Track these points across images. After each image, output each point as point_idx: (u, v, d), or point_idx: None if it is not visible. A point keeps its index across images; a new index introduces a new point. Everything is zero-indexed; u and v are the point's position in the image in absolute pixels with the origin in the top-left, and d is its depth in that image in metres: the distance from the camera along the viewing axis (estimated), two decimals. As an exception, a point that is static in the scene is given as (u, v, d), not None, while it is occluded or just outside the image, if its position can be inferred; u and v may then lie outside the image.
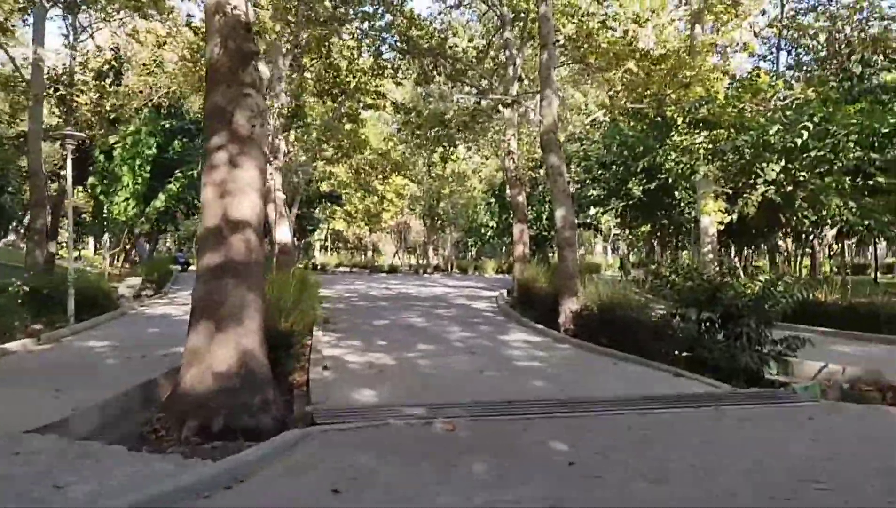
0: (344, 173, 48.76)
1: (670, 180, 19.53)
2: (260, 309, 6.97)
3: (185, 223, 41.62)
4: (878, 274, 34.10)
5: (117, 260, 25.13)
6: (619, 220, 29.87)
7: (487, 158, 50.58)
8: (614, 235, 57.83)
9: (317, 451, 4.99)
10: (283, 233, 16.57)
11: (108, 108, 17.62)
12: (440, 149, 43.86)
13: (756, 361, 8.10)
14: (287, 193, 26.32)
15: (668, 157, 18.63)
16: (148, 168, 17.16)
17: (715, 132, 15.56)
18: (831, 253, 36.73)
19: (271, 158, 16.59)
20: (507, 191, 24.76)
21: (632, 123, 20.27)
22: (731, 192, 18.70)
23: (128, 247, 24.91)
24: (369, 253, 57.44)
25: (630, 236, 51.46)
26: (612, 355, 9.88)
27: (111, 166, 17.29)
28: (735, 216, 15.85)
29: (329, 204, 36.36)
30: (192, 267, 41.75)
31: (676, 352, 9.17)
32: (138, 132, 17.15)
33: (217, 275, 6.72)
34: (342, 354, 9.99)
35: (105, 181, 17.37)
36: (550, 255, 32.56)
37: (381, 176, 49.25)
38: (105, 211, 17.30)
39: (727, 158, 15.72)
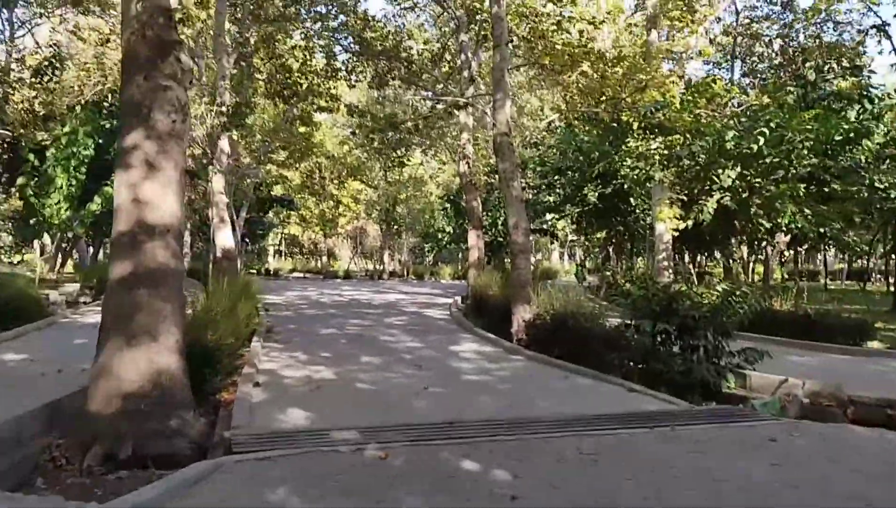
0: (298, 177, 47.95)
1: (626, 187, 19.32)
2: (179, 323, 6.34)
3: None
4: (828, 281, 34.63)
5: (56, 265, 23.97)
6: (575, 226, 29.71)
7: (444, 163, 50.29)
8: (570, 241, 58.03)
9: (228, 486, 4.39)
10: (226, 238, 15.81)
11: (37, 105, 16.63)
12: (396, 153, 43.55)
13: (713, 374, 7.73)
14: (234, 197, 25.52)
15: (624, 163, 18.40)
16: (84, 169, 16.19)
17: (670, 138, 15.32)
18: (783, 260, 37.19)
19: (213, 161, 15.85)
20: (463, 196, 24.32)
21: (587, 129, 20.03)
22: (686, 198, 18.55)
23: (66, 251, 23.79)
24: (324, 259, 56.36)
25: (586, 243, 51.70)
26: (564, 367, 9.44)
27: (44, 167, 16.32)
28: (690, 223, 15.62)
29: (282, 208, 35.44)
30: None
31: (631, 364, 8.78)
32: (74, 132, 16.18)
33: (129, 286, 6.08)
34: (280, 367, 9.36)
35: (36, 182, 16.38)
36: (507, 261, 32.33)
37: (336, 180, 48.54)
38: (38, 214, 16.29)
39: (683, 164, 15.51)
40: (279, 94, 26.65)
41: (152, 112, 6.42)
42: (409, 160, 50.65)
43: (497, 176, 14.03)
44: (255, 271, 45.54)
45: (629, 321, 8.82)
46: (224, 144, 16.09)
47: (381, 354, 10.80)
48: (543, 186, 23.88)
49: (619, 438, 5.71)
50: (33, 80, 18.54)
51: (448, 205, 26.02)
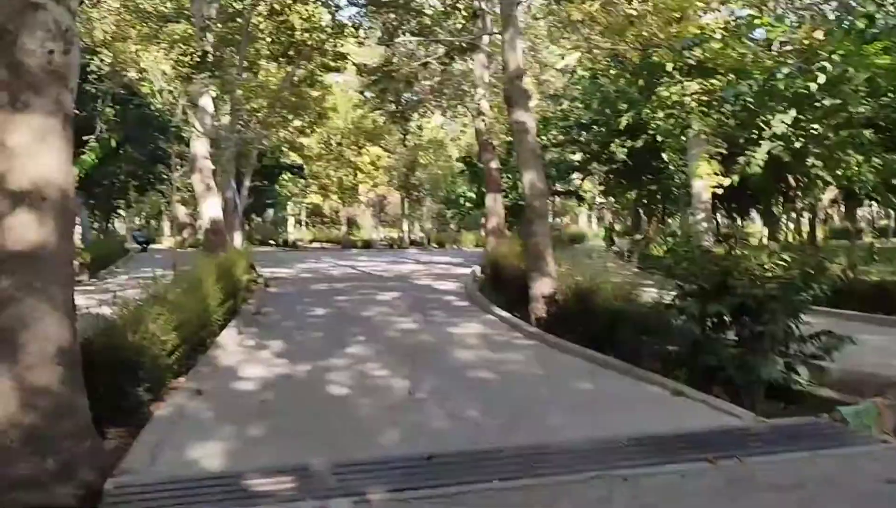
0: (315, 144, 46.22)
1: (657, 140, 17.32)
2: (66, 324, 4.71)
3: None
4: (874, 239, 32.19)
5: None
6: (602, 187, 27.67)
7: (465, 126, 48.21)
8: (598, 203, 55.76)
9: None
10: (212, 209, 14.24)
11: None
12: (413, 116, 41.60)
13: (783, 372, 5.93)
14: (238, 164, 23.91)
15: (655, 114, 16.43)
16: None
17: (710, 80, 13.28)
18: (824, 217, 34.84)
19: (198, 125, 14.22)
20: (481, 156, 22.44)
21: (613, 74, 17.93)
22: (725, 152, 16.52)
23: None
24: (345, 227, 54.93)
25: (615, 205, 49.47)
26: (589, 357, 7.70)
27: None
28: (736, 178, 13.64)
29: (292, 175, 33.78)
30: (156, 246, 39.46)
31: (673, 354, 7.01)
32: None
33: (-24, 276, 4.46)
34: (243, 363, 7.78)
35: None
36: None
37: (353, 147, 46.75)
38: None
39: (725, 111, 13.46)
40: (283, 54, 24.91)
41: (19, 40, 4.71)
42: (428, 122, 48.97)
43: (511, 131, 12.09)
44: (273, 243, 44.35)
45: (671, 301, 7.01)
46: (206, 102, 14.43)
47: (373, 341, 9.14)
48: (567, 144, 21.86)
49: (668, 482, 3.98)
50: None
51: (465, 167, 24.01)
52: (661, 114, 16.96)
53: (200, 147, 14.15)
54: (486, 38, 20.86)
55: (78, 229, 29.89)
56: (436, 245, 43.21)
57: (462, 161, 22.90)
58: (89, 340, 5.42)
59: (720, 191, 15.02)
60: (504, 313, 11.09)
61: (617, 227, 59.34)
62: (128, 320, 6.02)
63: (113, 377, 5.37)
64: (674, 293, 7.15)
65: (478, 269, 20.60)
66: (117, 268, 23.90)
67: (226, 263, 13.16)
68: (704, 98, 13.32)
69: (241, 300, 13.18)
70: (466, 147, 45.82)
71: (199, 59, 12.64)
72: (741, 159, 13.28)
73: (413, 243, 44.02)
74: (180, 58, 12.70)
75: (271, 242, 45.54)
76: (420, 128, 45.66)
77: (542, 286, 10.33)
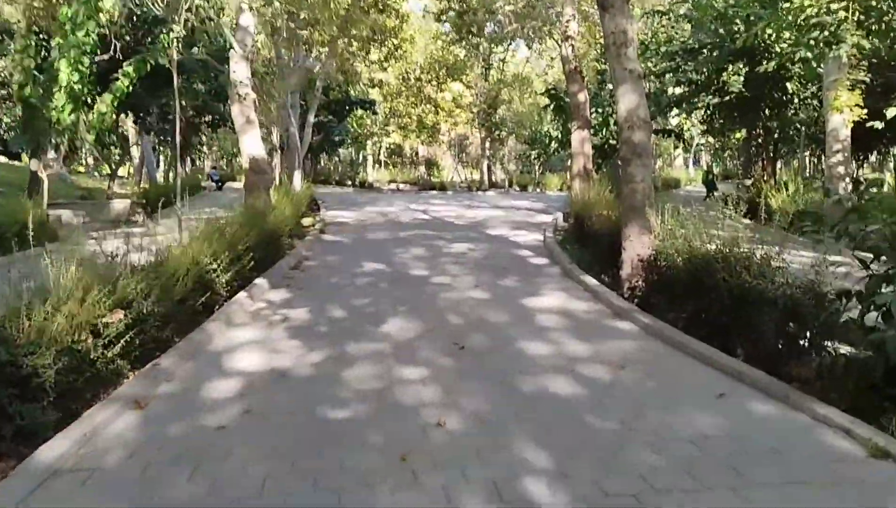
0: (393, 79, 44.02)
1: (785, 65, 14.30)
2: None
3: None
4: None
5: (112, 177, 21.78)
6: (705, 126, 24.44)
7: (553, 59, 44.82)
8: (697, 144, 51.50)
9: None
10: (253, 144, 12.42)
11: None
12: (497, 48, 38.68)
13: None
14: (303, 97, 22.13)
15: (781, 34, 13.45)
16: (86, 62, 13.06)
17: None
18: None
19: (237, 47, 12.30)
20: (567, 88, 19.75)
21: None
22: (868, 80, 13.43)
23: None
24: (424, 168, 52.94)
25: (717, 144, 45.36)
26: (710, 360, 5.41)
27: (48, 61, 13.39)
28: (894, 112, 10.69)
29: (364, 110, 31.65)
30: (232, 184, 38.64)
31: (840, 366, 4.67)
32: (76, 15, 12.96)
33: None
34: (237, 345, 5.94)
35: (35, 80, 13.49)
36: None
37: (434, 82, 44.27)
38: (42, 118, 13.46)
39: (890, 22, 10.44)
40: (352, -22, 22.74)
41: None
42: (512, 56, 45.85)
43: (604, 44, 9.50)
44: (350, 183, 42.92)
45: (852, 287, 4.64)
46: (246, 20, 12.47)
47: (420, 317, 7.09)
48: (669, 75, 18.83)
49: None
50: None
51: (550, 101, 21.28)
52: (786, 34, 13.96)
53: (240, 71, 12.26)
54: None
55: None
56: (518, 188, 40.67)
57: (546, 94, 20.25)
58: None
59: (879, 126, 11.97)
60: (590, 280, 8.81)
61: (715, 170, 55.16)
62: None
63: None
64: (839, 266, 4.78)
65: (560, 217, 18.27)
66: (180, 208, 22.84)
67: (261, 206, 11.41)
68: (859, 6, 10.33)
69: (283, 250, 11.46)
70: (554, 82, 42.64)
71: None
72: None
73: (494, 185, 41.60)
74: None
75: (347, 182, 44.15)
76: (503, 62, 42.81)
77: (640, 246, 8.02)
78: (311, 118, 21.63)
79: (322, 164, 50.56)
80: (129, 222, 19.01)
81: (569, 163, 34.72)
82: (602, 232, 10.39)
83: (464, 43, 41.24)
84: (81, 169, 44.62)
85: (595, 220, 11.32)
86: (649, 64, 20.13)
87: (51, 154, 13.90)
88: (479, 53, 41.45)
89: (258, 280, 8.66)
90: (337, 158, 50.54)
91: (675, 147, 45.15)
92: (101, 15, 13.46)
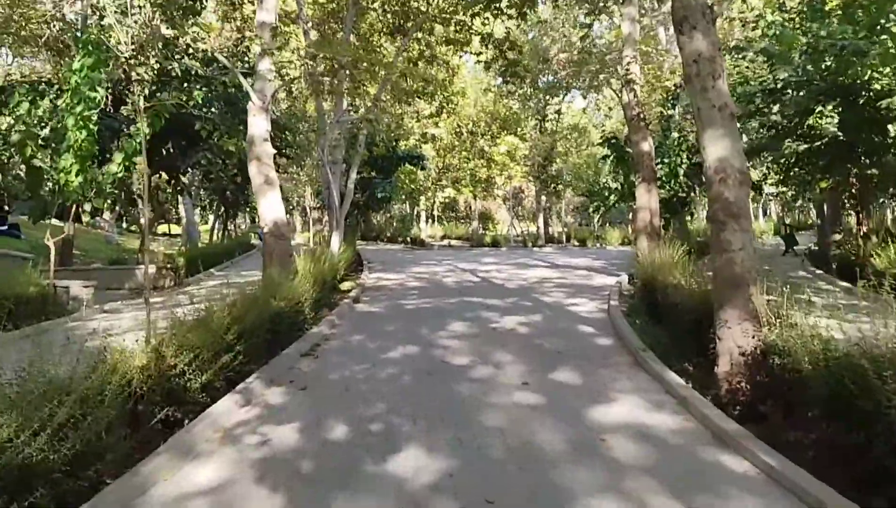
0: (446, 133, 42.94)
1: (881, 106, 12.24)
2: None
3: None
4: None
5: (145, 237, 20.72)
6: (781, 175, 22.15)
7: (611, 109, 43.09)
8: (767, 193, 48.54)
9: None
10: (272, 207, 10.94)
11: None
12: (552, 99, 37.18)
13: None
14: (346, 152, 20.85)
15: (884, 67, 11.51)
16: (94, 118, 11.89)
17: None
18: None
19: (255, 97, 10.96)
20: (629, 137, 17.91)
21: (826, 7, 12.81)
22: None
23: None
24: (476, 223, 51.40)
25: (792, 194, 42.38)
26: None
27: (49, 117, 12.33)
28: None
29: (412, 166, 30.28)
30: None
31: None
32: (82, 69, 11.87)
33: None
34: (189, 498, 4.19)
35: (42, 139, 12.40)
36: (690, 225, 25.02)
37: (487, 135, 42.98)
38: (49, 181, 12.35)
39: None
40: (398, 27, 21.70)
41: None
42: (567, 106, 44.27)
43: (683, 76, 7.61)
44: (401, 240, 41.63)
45: None
46: (265, 66, 11.13)
47: (442, 442, 5.21)
48: (749, 118, 16.76)
49: None
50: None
51: (609, 151, 19.30)
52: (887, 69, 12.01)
53: (258, 126, 10.88)
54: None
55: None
56: (576, 243, 38.60)
57: (605, 144, 18.35)
58: None
59: None
60: (673, 377, 6.79)
61: (787, 220, 51.95)
62: None
63: None
64: None
65: (625, 279, 16.25)
66: (219, 270, 21.70)
67: (276, 278, 9.83)
68: None
69: (301, 328, 9.81)
70: (614, 132, 40.69)
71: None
72: None
73: (551, 239, 39.65)
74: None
75: (399, 239, 42.89)
76: (558, 113, 41.28)
77: (741, 336, 6.07)
78: (354, 175, 20.27)
79: (374, 221, 49.59)
80: (156, 288, 17.87)
81: (630, 216, 32.41)
82: (682, 307, 8.40)
83: (517, 95, 40.05)
84: (135, 229, 44.66)
85: (671, 290, 9.34)
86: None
87: (106, 215, 12.85)
88: (532, 105, 40.10)
89: (253, 377, 6.96)
90: (388, 214, 49.52)
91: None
92: (111, 68, 12.31)
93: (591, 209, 45.28)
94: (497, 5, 19.99)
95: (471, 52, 29.69)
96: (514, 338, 9.51)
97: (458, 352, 8.64)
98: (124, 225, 42.82)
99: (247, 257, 26.67)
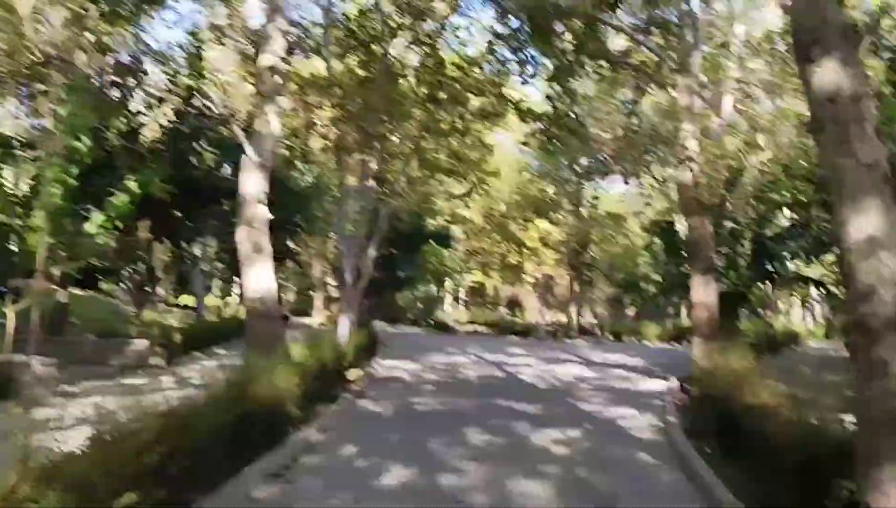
0: (476, 215, 41.35)
1: None
2: None
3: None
4: None
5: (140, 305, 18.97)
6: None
7: (651, 196, 41.21)
8: (817, 294, 45.76)
9: None
10: (261, 280, 9.04)
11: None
12: (590, 183, 35.50)
13: None
14: (366, 227, 19.17)
15: None
16: (74, 172, 10.27)
17: None
18: None
19: (250, 150, 9.27)
20: (682, 222, 15.94)
21: None
22: None
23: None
24: (503, 309, 49.25)
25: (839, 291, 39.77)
26: None
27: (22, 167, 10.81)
28: None
29: (439, 245, 28.49)
30: (305, 319, 35.77)
31: None
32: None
33: None
34: None
35: (20, 196, 10.84)
36: (737, 319, 22.49)
37: (519, 219, 41.26)
38: (15, 240, 10.70)
39: None
40: (432, 97, 20.32)
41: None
42: (605, 192, 42.44)
43: (810, 122, 5.55)
44: (425, 323, 39.48)
45: None
46: (266, 126, 9.46)
47: None
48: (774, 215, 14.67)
49: None
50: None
51: (656, 237, 17.27)
52: None
53: (252, 184, 9.14)
54: (696, 56, 14.76)
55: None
56: (610, 337, 36.08)
57: (654, 228, 16.16)
58: None
59: None
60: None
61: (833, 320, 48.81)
62: None
63: None
64: None
65: (675, 385, 13.97)
66: (220, 348, 19.75)
67: (252, 371, 7.84)
68: None
69: (274, 438, 7.72)
70: (659, 216, 38.50)
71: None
72: None
73: (583, 331, 37.17)
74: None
75: (422, 322, 40.76)
76: (596, 198, 39.46)
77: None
78: (373, 252, 18.48)
79: (397, 301, 47.60)
80: (142, 367, 15.95)
81: (670, 310, 30.06)
82: (778, 441, 6.19)
83: (552, 176, 38.46)
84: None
85: (758, 414, 7.12)
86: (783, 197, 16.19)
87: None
88: (569, 189, 38.45)
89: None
90: (412, 295, 47.56)
91: (794, 294, 39.75)
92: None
93: (626, 302, 43.00)
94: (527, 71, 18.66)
95: (504, 129, 28.28)
96: (550, 465, 7.28)
97: (476, 484, 6.45)
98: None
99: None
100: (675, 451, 8.12)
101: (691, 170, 14.00)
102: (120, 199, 11.14)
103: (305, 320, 34.59)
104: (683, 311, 45.74)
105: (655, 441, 8.80)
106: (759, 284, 16.98)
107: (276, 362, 8.62)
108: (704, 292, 13.55)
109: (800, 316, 44.87)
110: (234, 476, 6.06)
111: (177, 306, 41.03)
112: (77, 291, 35.48)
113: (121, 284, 28.24)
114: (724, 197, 14.70)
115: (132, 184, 11.12)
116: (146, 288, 41.06)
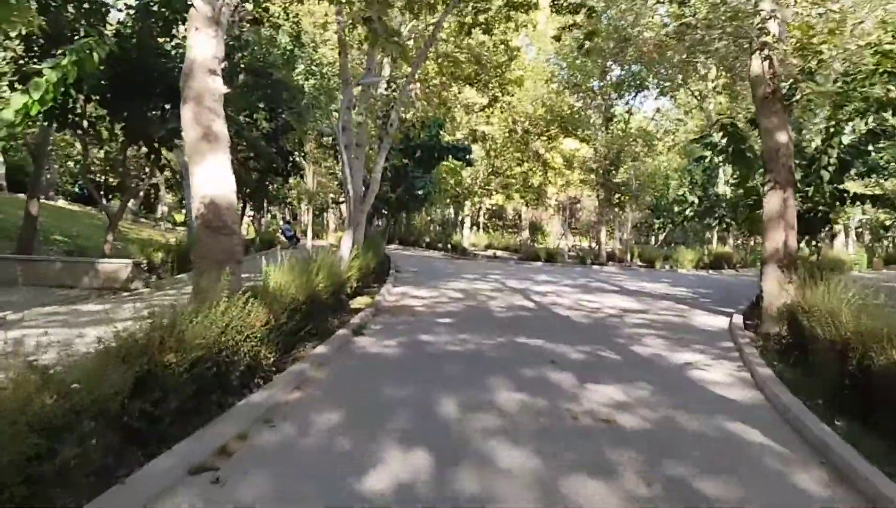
0: (498, 131, 38.35)
1: None
2: None
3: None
4: None
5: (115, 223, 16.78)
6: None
7: (688, 113, 37.89)
8: (858, 220, 42.80)
9: None
10: (212, 178, 6.59)
11: None
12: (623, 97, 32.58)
13: None
14: (367, 132, 16.56)
15: None
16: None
17: None
18: None
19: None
20: (758, 122, 13.16)
21: None
22: None
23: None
24: (525, 234, 46.72)
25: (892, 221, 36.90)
26: None
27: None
28: None
29: (459, 160, 25.62)
30: (319, 241, 33.50)
31: None
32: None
33: None
34: None
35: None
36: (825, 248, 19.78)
37: (543, 136, 38.20)
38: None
39: None
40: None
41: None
42: (641, 104, 39.21)
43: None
44: (442, 247, 37.21)
45: None
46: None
47: None
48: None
49: None
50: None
51: (706, 148, 14.13)
52: None
53: (201, 46, 6.61)
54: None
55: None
56: (641, 263, 33.63)
57: (721, 130, 13.07)
58: None
59: None
60: None
61: (878, 250, 46.12)
62: None
63: None
64: None
65: (738, 321, 11.64)
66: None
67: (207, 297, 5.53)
68: None
69: (237, 390, 5.51)
70: (685, 144, 35.37)
71: None
72: None
73: (611, 257, 34.70)
74: None
75: (439, 245, 38.51)
76: (629, 113, 36.26)
77: None
78: (382, 161, 15.95)
79: (413, 223, 45.20)
80: (120, 291, 13.89)
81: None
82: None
83: (583, 89, 35.25)
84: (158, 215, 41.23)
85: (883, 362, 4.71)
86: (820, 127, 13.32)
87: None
88: (599, 103, 35.26)
89: None
90: (429, 217, 45.14)
91: (844, 219, 36.73)
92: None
93: (656, 226, 40.18)
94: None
95: (533, 25, 25.10)
96: (621, 451, 4.93)
97: (510, 481, 4.17)
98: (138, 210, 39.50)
99: (262, 256, 22.62)
100: (794, 425, 5.74)
101: (770, 59, 11.18)
102: (46, 77, 8.47)
103: (320, 242, 32.30)
104: (715, 237, 43.19)
105: (754, 404, 6.43)
106: (840, 203, 14.24)
107: (237, 290, 6.29)
108: (780, 210, 10.96)
109: (842, 242, 41.97)
110: (156, 454, 3.83)
111: (155, 220, 39.05)
112: (74, 207, 33.53)
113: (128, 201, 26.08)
114: (812, 88, 11.81)
115: (65, 61, 8.38)
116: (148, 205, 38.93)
